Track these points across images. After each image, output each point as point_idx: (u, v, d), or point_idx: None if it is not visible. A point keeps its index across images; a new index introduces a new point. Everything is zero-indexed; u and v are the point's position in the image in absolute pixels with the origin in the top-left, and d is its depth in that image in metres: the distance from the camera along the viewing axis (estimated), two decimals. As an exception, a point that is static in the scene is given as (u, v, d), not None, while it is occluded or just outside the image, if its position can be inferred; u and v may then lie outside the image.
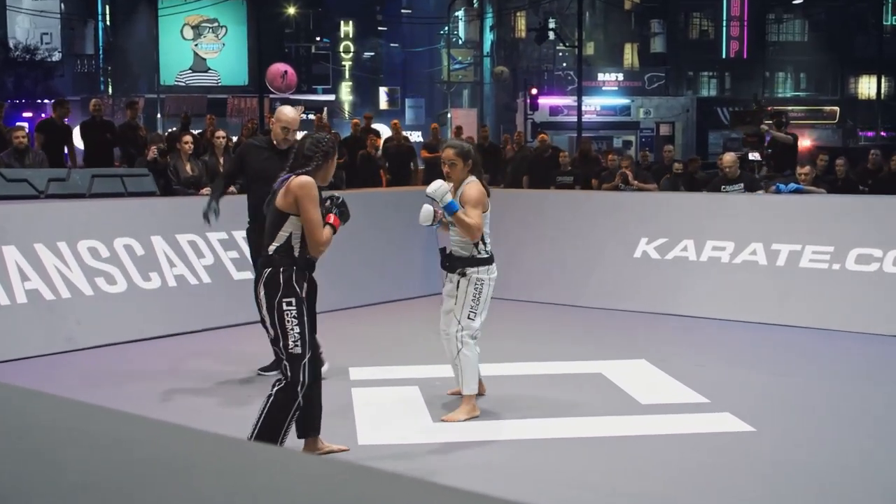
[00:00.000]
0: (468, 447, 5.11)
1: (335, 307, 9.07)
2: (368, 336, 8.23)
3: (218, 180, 6.99)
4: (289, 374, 4.48)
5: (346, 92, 45.62)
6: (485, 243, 5.56)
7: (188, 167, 10.09)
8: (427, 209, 5.64)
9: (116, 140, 12.72)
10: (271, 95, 38.66)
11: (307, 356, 4.50)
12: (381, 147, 14.88)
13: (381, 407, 5.89)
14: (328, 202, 4.67)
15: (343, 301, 9.28)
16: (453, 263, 5.58)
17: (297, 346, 4.45)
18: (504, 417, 5.66)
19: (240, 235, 8.57)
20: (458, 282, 5.57)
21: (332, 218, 4.61)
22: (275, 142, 6.41)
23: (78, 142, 12.88)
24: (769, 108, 15.75)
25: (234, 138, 13.76)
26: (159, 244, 8.33)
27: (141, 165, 10.71)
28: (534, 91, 32.75)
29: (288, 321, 4.43)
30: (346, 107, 44.56)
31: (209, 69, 42.00)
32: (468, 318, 5.53)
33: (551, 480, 4.57)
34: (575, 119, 29.21)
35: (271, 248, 4.49)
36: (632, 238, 9.78)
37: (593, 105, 39.85)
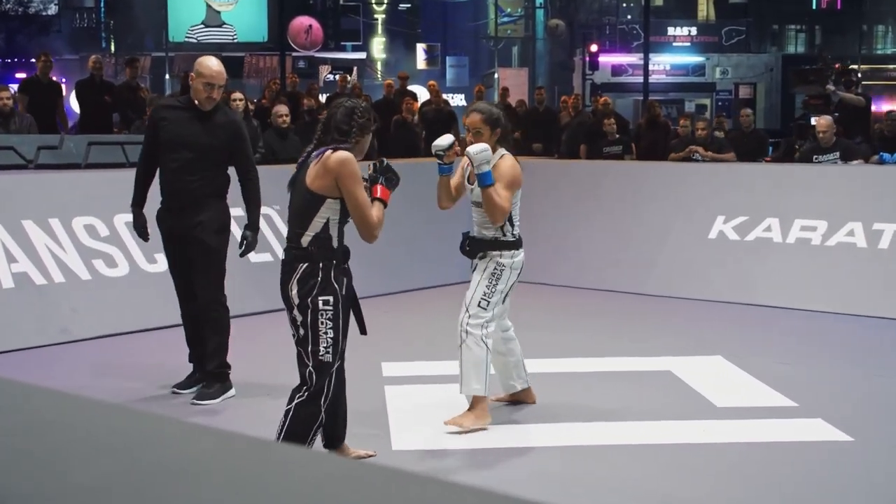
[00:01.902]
0: (516, 454, 5.10)
1: (365, 294, 9.01)
2: (403, 327, 8.23)
3: (137, 170, 6.38)
4: (313, 382, 4.42)
5: (378, 49, 45.64)
6: (512, 225, 5.45)
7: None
8: (448, 136, 5.47)
9: (115, 102, 12.79)
10: (294, 53, 38.76)
11: (336, 364, 4.46)
12: (417, 112, 14.84)
13: (417, 407, 5.89)
14: (370, 170, 4.57)
15: (374, 287, 9.27)
16: (474, 247, 5.46)
17: (328, 352, 4.39)
18: (556, 420, 5.64)
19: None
20: (478, 261, 5.46)
21: (378, 190, 4.49)
22: (196, 101, 6.05)
23: (74, 105, 12.97)
24: (836, 66, 15.42)
25: (255, 101, 13.80)
26: (165, 221, 8.35)
27: (143, 131, 10.77)
28: (594, 48, 32.50)
29: (322, 323, 4.36)
30: (379, 66, 44.58)
31: (224, 24, 42.19)
32: (479, 305, 5.38)
33: (610, 493, 4.55)
34: (640, 80, 28.96)
35: (305, 239, 4.39)
36: (706, 216, 9.68)
37: (662, 64, 39.53)
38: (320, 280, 4.35)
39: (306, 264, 4.37)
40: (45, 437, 1.05)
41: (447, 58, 46.33)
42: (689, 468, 4.88)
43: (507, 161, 5.38)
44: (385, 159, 4.64)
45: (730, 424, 5.55)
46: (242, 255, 6.21)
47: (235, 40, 42.03)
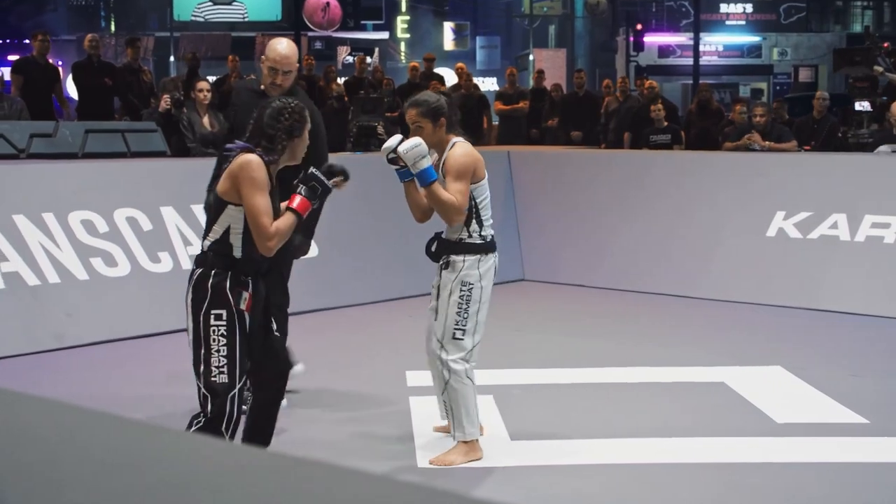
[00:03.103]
0: (553, 472, 5.08)
1: (390, 296, 9.08)
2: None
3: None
4: (208, 408, 4.25)
5: (402, 28, 45.67)
6: (480, 224, 5.14)
7: (206, 121, 10.14)
8: (397, 136, 5.22)
9: (116, 86, 12.81)
10: (310, 33, 38.85)
11: (236, 387, 4.27)
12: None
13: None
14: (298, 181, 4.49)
15: (399, 289, 9.27)
16: (440, 249, 5.20)
17: (221, 373, 4.24)
18: (597, 435, 5.61)
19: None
20: (441, 274, 5.16)
21: (295, 200, 4.38)
22: (262, 86, 6.10)
23: (71, 89, 13.02)
24: (885, 45, 15.25)
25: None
26: (171, 217, 8.38)
27: (148, 118, 10.80)
28: (639, 27, 32.40)
29: (213, 340, 4.24)
30: (403, 47, 44.61)
31: (234, 1, 42.37)
32: (454, 337, 5.07)
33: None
34: (690, 62, 28.86)
35: (206, 243, 4.36)
36: (764, 212, 9.61)
37: (714, 44, 39.36)
38: (211, 290, 4.26)
39: (201, 269, 4.32)
40: (39, 451, 1.05)
41: (477, 38, 46.28)
42: (744, 490, 4.83)
43: (457, 150, 5.11)
44: (315, 171, 4.47)
45: (790, 442, 5.49)
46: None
47: (246, 19, 42.17)
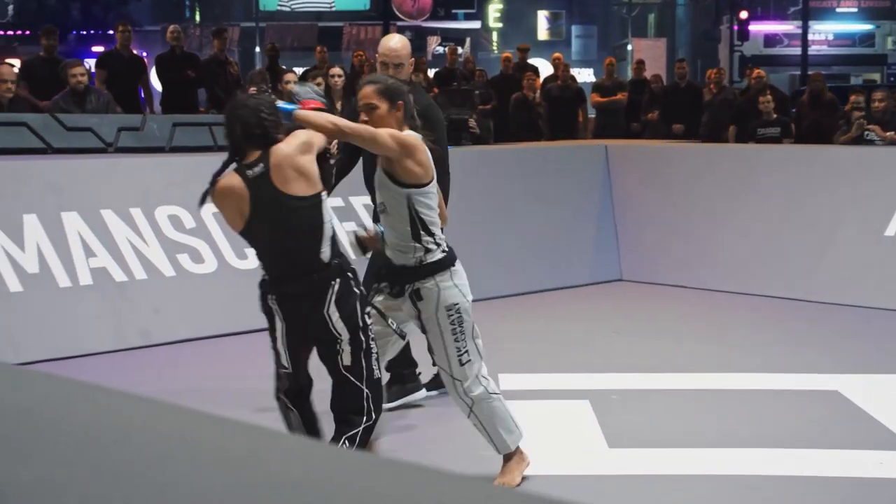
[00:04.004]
0: (654, 482, 5.06)
1: (483, 296, 9.05)
2: (524, 334, 8.21)
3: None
4: (369, 407, 4.62)
5: (494, 17, 45.66)
6: (431, 232, 4.72)
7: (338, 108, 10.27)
8: (352, 238, 4.90)
9: (201, 78, 12.99)
10: (399, 23, 39.02)
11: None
12: (539, 89, 14.80)
13: (541, 426, 5.84)
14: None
15: (493, 289, 9.27)
16: (396, 280, 4.79)
17: (378, 369, 4.66)
18: (700, 445, 5.57)
19: (358, 201, 8.64)
20: (416, 307, 4.78)
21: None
22: None
23: (155, 82, 13.23)
24: None
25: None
26: (257, 212, 8.47)
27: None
28: (744, 14, 32.00)
29: (372, 339, 4.61)
30: (495, 37, 44.61)
31: (320, -10, 42.70)
32: (461, 364, 4.81)
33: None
34: (798, 52, 28.46)
35: (328, 253, 4.49)
36: (882, 210, 9.42)
37: (824, 33, 38.75)
38: (360, 294, 4.53)
39: (340, 280, 4.44)
40: (139, 448, 1.07)
41: (573, 27, 46.09)
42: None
43: (411, 133, 4.72)
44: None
45: (910, 455, 5.39)
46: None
47: (333, 9, 42.47)
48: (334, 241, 4.45)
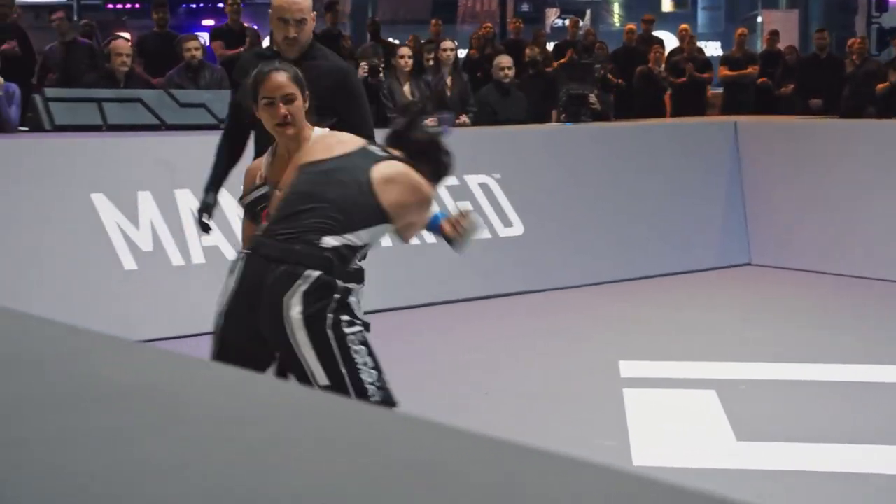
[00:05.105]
0: (785, 478, 5.00)
1: (601, 279, 9.04)
2: (646, 319, 8.16)
3: (220, 142, 5.75)
4: None
5: (616, -12, 45.33)
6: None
7: (406, 89, 10.31)
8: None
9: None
10: (516, -6, 38.94)
11: None
12: (665, 62, 14.68)
13: (663, 416, 5.86)
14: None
15: (613, 272, 9.23)
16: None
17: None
18: (836, 440, 5.48)
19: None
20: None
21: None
22: (275, 48, 5.29)
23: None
24: None
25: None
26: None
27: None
28: (883, -17, 31.29)
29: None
30: (617, 8, 44.27)
31: (435, -39, 42.78)
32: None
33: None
34: (944, 22, 27.66)
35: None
36: None
37: (972, 2, 37.64)
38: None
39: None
40: (267, 428, 1.12)
41: (699, -2, 45.52)
42: None
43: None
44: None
45: None
46: None
47: (449, -21, 42.46)
48: (352, 251, 3.92)
